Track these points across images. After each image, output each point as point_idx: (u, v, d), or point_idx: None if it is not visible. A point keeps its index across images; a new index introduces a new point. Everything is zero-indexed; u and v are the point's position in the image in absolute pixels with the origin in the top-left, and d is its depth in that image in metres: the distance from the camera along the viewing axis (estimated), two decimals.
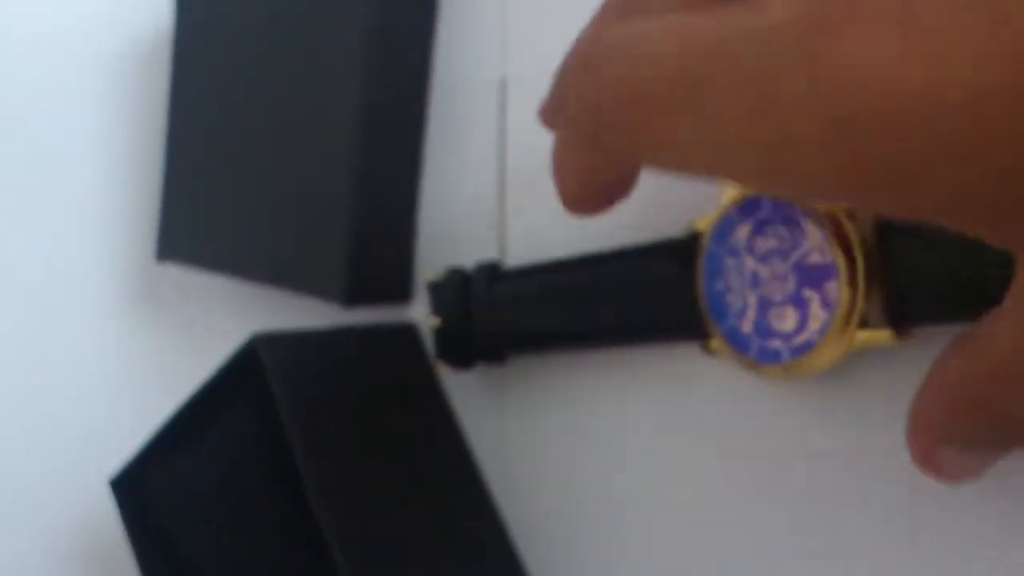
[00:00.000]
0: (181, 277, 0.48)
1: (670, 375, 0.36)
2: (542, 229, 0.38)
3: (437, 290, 0.39)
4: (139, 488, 0.41)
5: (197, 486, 0.40)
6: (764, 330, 0.31)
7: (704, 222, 0.33)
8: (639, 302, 0.34)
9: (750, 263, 0.31)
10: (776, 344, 0.31)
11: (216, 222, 0.44)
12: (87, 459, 0.50)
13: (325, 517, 0.33)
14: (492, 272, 0.38)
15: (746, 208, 0.31)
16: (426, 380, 0.39)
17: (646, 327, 0.35)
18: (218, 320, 0.47)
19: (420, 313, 0.41)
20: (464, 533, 0.37)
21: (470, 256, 0.39)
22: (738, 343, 0.32)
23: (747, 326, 0.31)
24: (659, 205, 0.35)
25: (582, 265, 0.36)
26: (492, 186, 0.40)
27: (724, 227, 0.32)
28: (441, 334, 0.39)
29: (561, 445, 0.38)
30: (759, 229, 0.31)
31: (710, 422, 0.35)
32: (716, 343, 0.33)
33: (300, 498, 0.34)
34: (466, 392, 0.40)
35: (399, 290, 0.41)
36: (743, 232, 0.31)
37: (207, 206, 0.45)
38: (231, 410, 0.39)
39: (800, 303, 0.30)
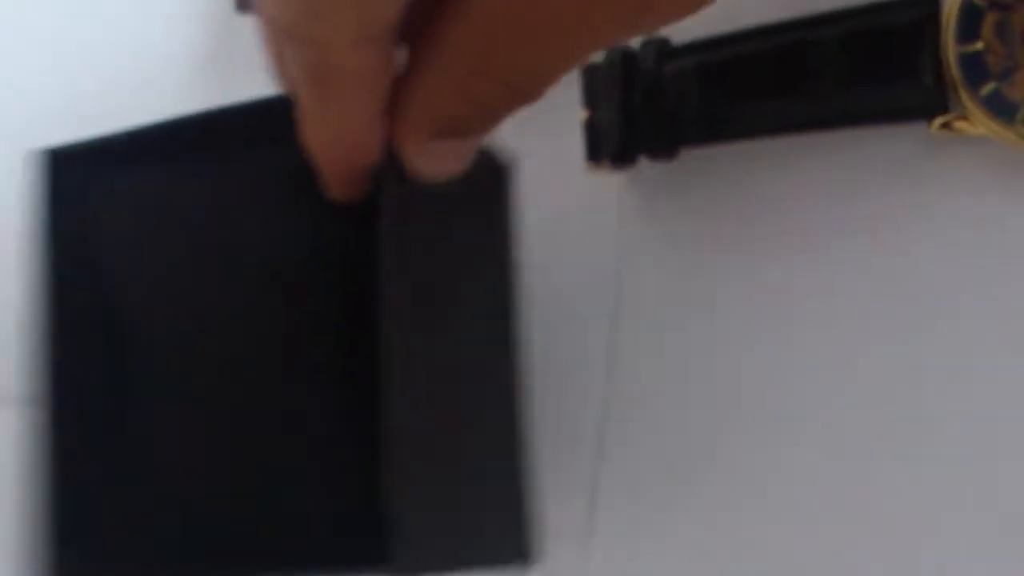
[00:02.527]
0: None
1: (889, 163, 0.31)
2: None
3: (593, 76, 0.34)
4: (82, 176, 0.30)
5: (174, 207, 0.29)
6: None
7: None
8: (859, 73, 0.30)
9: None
10: None
11: None
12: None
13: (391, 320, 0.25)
14: (662, 47, 0.33)
15: None
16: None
17: (865, 104, 0.30)
18: None
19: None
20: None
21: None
22: (1002, 111, 0.27)
23: (1016, 92, 0.27)
24: None
25: (781, 30, 0.31)
26: None
27: None
28: (593, 128, 0.34)
29: (727, 255, 0.34)
30: None
31: (946, 230, 0.30)
32: (961, 122, 0.28)
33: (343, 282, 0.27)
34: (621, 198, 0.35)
35: None
36: None
37: None
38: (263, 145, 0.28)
39: None
